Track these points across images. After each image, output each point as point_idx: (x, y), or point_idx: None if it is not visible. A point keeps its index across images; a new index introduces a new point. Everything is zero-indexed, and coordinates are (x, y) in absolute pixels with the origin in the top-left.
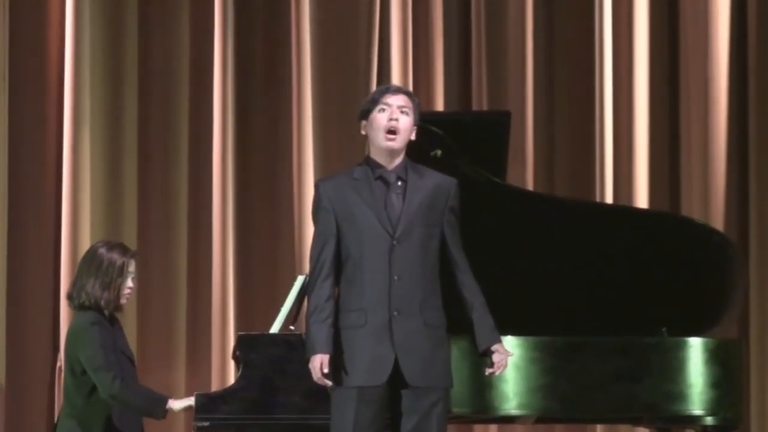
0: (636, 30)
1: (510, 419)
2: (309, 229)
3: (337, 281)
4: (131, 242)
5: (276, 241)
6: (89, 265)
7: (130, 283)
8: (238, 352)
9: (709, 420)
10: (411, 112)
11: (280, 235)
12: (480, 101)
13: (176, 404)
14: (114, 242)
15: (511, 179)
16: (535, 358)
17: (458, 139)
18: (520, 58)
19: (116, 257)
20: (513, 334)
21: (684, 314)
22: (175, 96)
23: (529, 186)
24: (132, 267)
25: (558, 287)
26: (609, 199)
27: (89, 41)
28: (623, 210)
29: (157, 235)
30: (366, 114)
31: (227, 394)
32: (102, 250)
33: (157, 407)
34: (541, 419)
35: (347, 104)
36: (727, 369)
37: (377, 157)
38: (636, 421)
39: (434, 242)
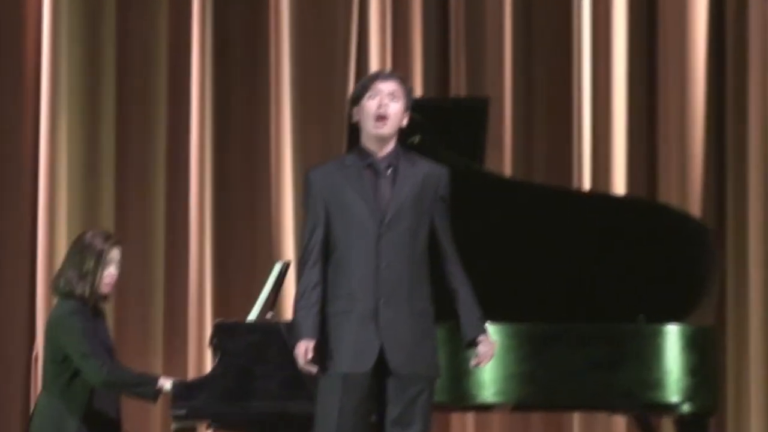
0: (614, 13)
1: (487, 407)
2: (287, 216)
3: (325, 268)
4: (108, 228)
5: (254, 228)
6: (71, 252)
7: (112, 270)
8: (215, 340)
9: (685, 407)
10: (402, 98)
11: (258, 222)
12: (458, 87)
13: (168, 383)
14: (99, 230)
15: (489, 165)
16: (511, 346)
17: (436, 125)
18: (499, 44)
19: (96, 243)
20: (490, 321)
21: (661, 301)
22: (153, 84)
23: (507, 172)
24: (113, 254)
25: (535, 274)
26: (586, 185)
27: (66, 36)
28: (600, 196)
29: (134, 221)
30: (357, 100)
31: (204, 381)
32: (86, 236)
33: (148, 387)
34: (518, 407)
35: (326, 91)
36: (703, 356)
37: (368, 144)
38: (613, 409)
39: (423, 231)
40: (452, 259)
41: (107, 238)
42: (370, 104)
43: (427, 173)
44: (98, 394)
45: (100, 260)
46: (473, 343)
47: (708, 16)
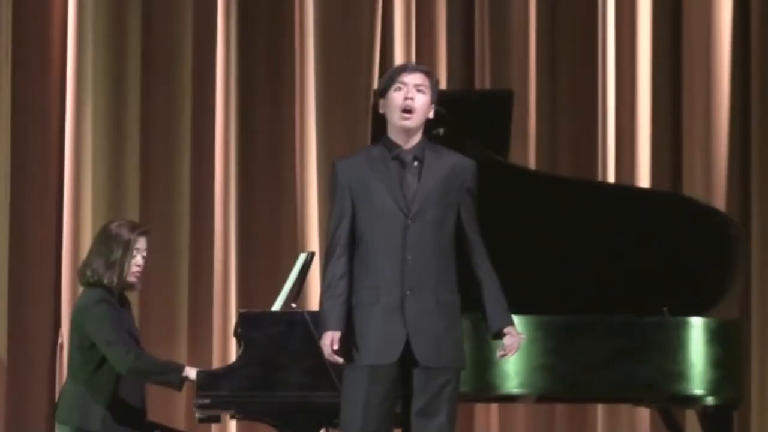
0: (639, 8)
1: (511, 398)
2: (311, 207)
3: (351, 259)
4: (133, 219)
5: (278, 219)
6: (98, 241)
7: (139, 260)
8: (239, 330)
9: (709, 400)
10: (428, 90)
11: (282, 213)
12: (483, 80)
13: (193, 372)
14: (126, 220)
15: (514, 158)
16: (536, 338)
17: (461, 118)
18: (523, 37)
19: (123, 233)
20: (514, 313)
21: (685, 294)
22: (178, 78)
23: (532, 165)
24: (140, 244)
25: (560, 266)
26: (611, 178)
27: (92, 26)
28: (625, 189)
29: (159, 212)
30: (384, 92)
31: (228, 371)
32: (112, 226)
33: (173, 374)
34: (542, 398)
35: (350, 84)
36: (728, 349)
37: (394, 136)
38: (637, 401)
39: (449, 223)
40: (479, 250)
41: (134, 227)
42: (397, 96)
43: (454, 165)
44: (124, 382)
45: (128, 250)
46: (500, 335)
47: (733, 7)
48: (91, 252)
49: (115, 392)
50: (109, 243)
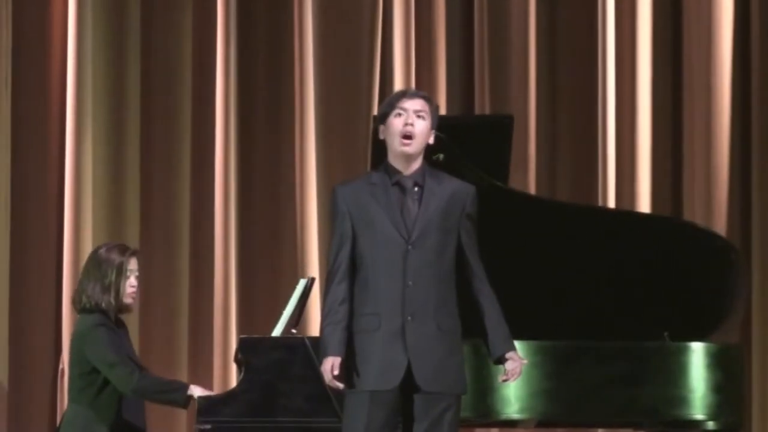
0: (639, 35)
1: (512, 423)
2: (311, 233)
3: (352, 285)
4: (133, 244)
5: (278, 245)
6: (90, 267)
7: (133, 281)
8: (240, 355)
9: (710, 425)
10: (428, 116)
11: (283, 239)
12: (483, 106)
13: (197, 390)
14: (114, 243)
15: (514, 183)
16: (537, 363)
17: (461, 143)
18: (523, 63)
19: (114, 257)
20: (515, 338)
21: (686, 319)
22: (178, 97)
23: (532, 190)
24: (132, 265)
25: (560, 291)
26: (611, 204)
27: (91, 42)
28: (625, 214)
29: (159, 237)
30: (384, 118)
31: (229, 396)
32: (101, 251)
33: (178, 393)
34: (542, 423)
35: (350, 108)
36: (728, 374)
37: (394, 162)
38: (637, 426)
39: (450, 248)
40: (479, 276)
41: (124, 249)
42: (397, 122)
43: (454, 191)
44: (126, 404)
45: (122, 271)
46: (501, 360)
47: (733, 33)
48: (83, 279)
49: (118, 414)
50: (101, 267)
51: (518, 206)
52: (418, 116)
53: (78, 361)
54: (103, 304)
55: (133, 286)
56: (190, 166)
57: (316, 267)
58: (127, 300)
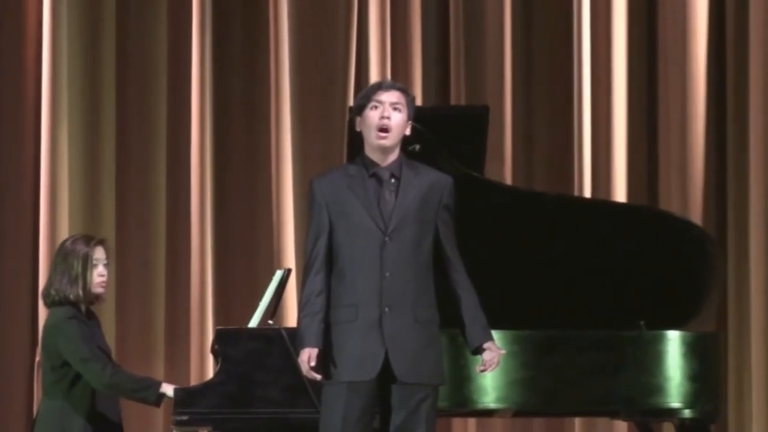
0: (614, 23)
1: (488, 413)
2: (288, 224)
3: (329, 276)
4: (110, 237)
5: (254, 236)
6: (56, 261)
7: (101, 270)
8: (216, 347)
9: (687, 413)
10: (404, 108)
11: (259, 230)
12: (458, 96)
13: (170, 389)
14: (80, 234)
15: (490, 174)
16: (513, 352)
17: (436, 134)
18: (499, 53)
19: (80, 248)
20: (492, 327)
21: (662, 308)
22: (153, 90)
23: (508, 180)
24: (99, 254)
25: (536, 281)
26: (587, 193)
27: (66, 35)
28: (601, 204)
29: (135, 229)
30: (360, 110)
31: (206, 388)
32: (67, 243)
33: (150, 391)
34: (519, 413)
35: (326, 102)
36: (705, 362)
37: (371, 154)
38: (614, 415)
39: (427, 240)
40: (457, 266)
41: (89, 239)
42: (373, 115)
43: (431, 182)
44: (100, 396)
45: (88, 261)
46: (479, 350)
47: (708, 19)
48: (51, 273)
49: (92, 407)
50: (68, 259)
51: (494, 196)
52: (395, 109)
53: (49, 355)
54: (72, 297)
55: (101, 275)
56: (166, 159)
57: (293, 258)
58: (97, 290)
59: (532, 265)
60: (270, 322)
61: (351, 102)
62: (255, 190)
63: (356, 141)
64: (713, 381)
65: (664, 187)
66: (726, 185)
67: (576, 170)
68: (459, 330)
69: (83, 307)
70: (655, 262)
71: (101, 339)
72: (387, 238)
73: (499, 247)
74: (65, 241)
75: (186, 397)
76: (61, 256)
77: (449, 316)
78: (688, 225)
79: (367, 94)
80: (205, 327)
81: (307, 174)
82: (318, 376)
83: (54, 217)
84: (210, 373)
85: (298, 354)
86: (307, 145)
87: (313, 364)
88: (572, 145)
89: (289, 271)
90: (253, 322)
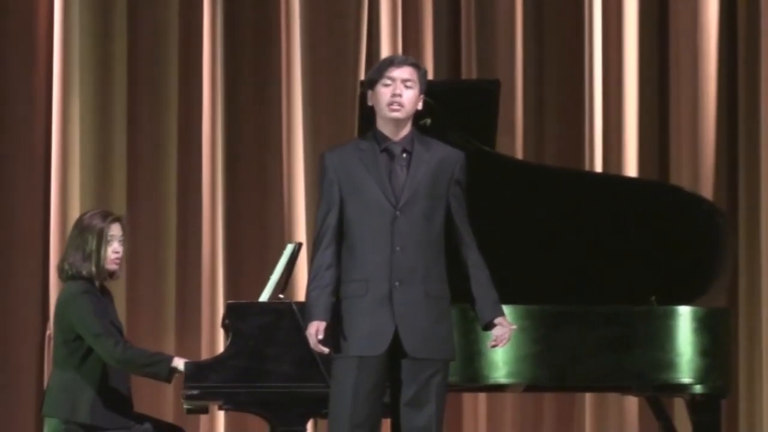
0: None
1: (499, 388)
2: (299, 198)
3: (339, 250)
4: (120, 211)
5: (265, 210)
6: (73, 235)
7: (116, 247)
8: (227, 321)
9: (697, 388)
10: (416, 85)
11: (270, 204)
12: (469, 70)
13: (181, 363)
14: (98, 209)
15: (501, 148)
16: (524, 327)
17: (447, 108)
18: (510, 27)
19: (96, 223)
20: (503, 302)
21: (673, 283)
22: (164, 66)
23: (519, 155)
24: (114, 231)
25: (547, 256)
26: (598, 168)
27: (78, 16)
28: (612, 179)
29: (146, 204)
30: (371, 84)
31: (217, 362)
32: (84, 218)
33: (161, 365)
34: (530, 388)
35: (337, 77)
36: (716, 337)
37: (383, 128)
38: (625, 390)
39: (438, 214)
40: (468, 242)
41: (106, 215)
42: (385, 91)
43: (443, 157)
44: (111, 370)
45: (102, 238)
46: (490, 326)
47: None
48: (67, 247)
49: (103, 381)
50: (83, 234)
51: (505, 171)
52: (407, 86)
53: (62, 329)
54: (84, 272)
55: (116, 252)
56: (177, 134)
57: (303, 232)
58: (111, 266)
59: (542, 239)
60: (281, 296)
61: (362, 76)
62: (266, 165)
63: (367, 115)
64: (724, 356)
65: (675, 161)
66: (737, 160)
67: (587, 144)
68: (470, 305)
69: (97, 282)
70: (666, 237)
71: (114, 315)
72: (398, 213)
73: (509, 222)
74: (83, 214)
75: (196, 371)
76: (78, 230)
77: (460, 292)
78: (699, 199)
79: (379, 68)
80: (215, 301)
81: (319, 148)
82: (325, 350)
83: (65, 193)
84: (221, 348)
85: (306, 327)
86: (319, 119)
87: (320, 337)
88: (583, 119)
89: (300, 245)
90: (264, 296)
